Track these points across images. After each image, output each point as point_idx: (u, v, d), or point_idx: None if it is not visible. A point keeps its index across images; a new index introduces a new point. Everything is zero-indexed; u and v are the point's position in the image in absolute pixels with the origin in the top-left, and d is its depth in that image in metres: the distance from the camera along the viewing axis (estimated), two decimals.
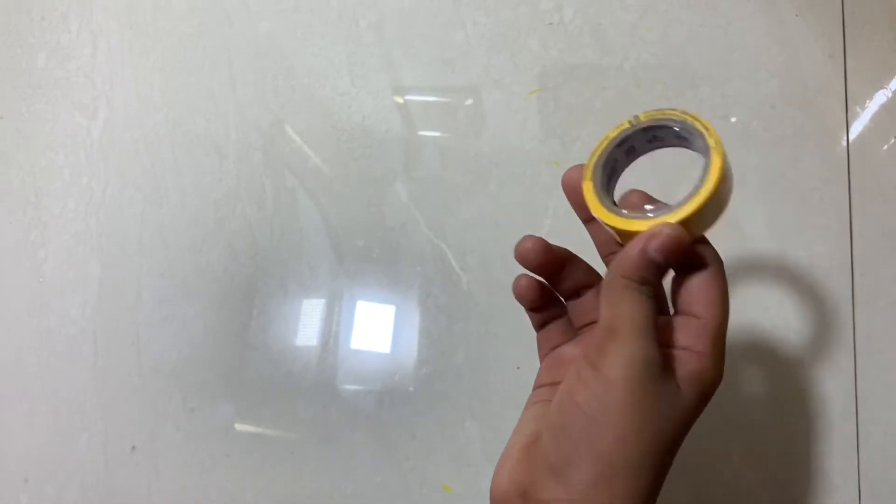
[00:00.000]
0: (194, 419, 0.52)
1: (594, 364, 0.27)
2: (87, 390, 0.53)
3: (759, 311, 0.50)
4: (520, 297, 0.34)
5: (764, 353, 0.49)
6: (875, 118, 0.52)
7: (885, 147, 0.52)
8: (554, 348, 0.35)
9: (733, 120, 0.53)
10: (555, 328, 0.35)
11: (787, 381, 0.49)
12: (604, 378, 0.27)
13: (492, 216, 0.53)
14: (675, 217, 0.28)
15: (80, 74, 0.59)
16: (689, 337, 0.28)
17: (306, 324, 0.53)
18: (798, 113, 0.53)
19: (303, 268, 0.54)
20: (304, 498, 0.51)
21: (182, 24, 0.59)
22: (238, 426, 0.52)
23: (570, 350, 0.34)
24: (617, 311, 0.27)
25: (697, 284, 0.28)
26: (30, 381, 0.54)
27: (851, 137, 0.52)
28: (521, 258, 0.33)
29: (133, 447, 0.52)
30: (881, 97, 0.53)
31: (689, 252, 0.29)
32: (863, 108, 0.53)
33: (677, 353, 0.28)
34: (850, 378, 0.48)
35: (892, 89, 0.53)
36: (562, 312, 0.35)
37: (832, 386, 0.49)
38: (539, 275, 0.34)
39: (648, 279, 0.28)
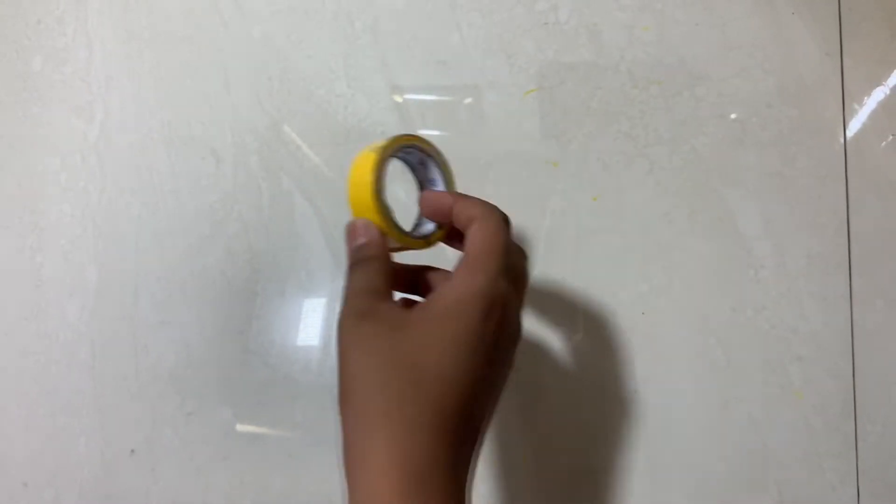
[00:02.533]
0: (192, 423, 0.52)
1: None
2: (85, 394, 0.53)
3: (757, 310, 0.50)
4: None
5: (761, 352, 0.49)
6: (872, 116, 0.52)
7: (883, 144, 0.52)
8: None
9: (732, 117, 0.53)
10: None
11: (784, 380, 0.49)
12: (339, 343, 0.32)
13: None
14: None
15: (76, 78, 0.59)
16: (455, 267, 0.33)
17: (304, 327, 0.53)
18: (795, 111, 0.52)
19: (300, 270, 0.53)
20: (302, 501, 0.51)
21: (177, 28, 0.59)
22: (236, 429, 0.52)
23: None
24: (349, 285, 0.34)
25: (469, 236, 0.34)
26: (28, 386, 0.54)
27: (849, 135, 0.52)
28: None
29: (131, 451, 0.52)
30: (878, 94, 0.53)
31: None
32: (860, 106, 0.53)
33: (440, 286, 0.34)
34: (849, 377, 0.48)
35: (890, 86, 0.53)
36: None
37: (830, 385, 0.48)
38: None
39: (358, 258, 0.35)
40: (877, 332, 0.49)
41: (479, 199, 0.36)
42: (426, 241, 0.38)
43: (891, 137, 0.52)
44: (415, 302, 0.35)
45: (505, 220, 0.35)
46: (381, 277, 0.34)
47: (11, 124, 0.58)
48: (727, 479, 0.48)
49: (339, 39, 0.57)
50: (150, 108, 0.57)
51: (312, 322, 0.53)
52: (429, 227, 0.39)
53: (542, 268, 0.52)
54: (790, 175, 0.51)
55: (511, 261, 0.33)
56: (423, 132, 0.55)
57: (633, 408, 0.49)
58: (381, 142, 0.38)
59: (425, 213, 0.38)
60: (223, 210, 0.55)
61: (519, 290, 0.34)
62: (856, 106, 0.52)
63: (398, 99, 0.56)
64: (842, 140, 0.52)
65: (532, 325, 0.51)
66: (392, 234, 0.36)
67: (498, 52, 0.55)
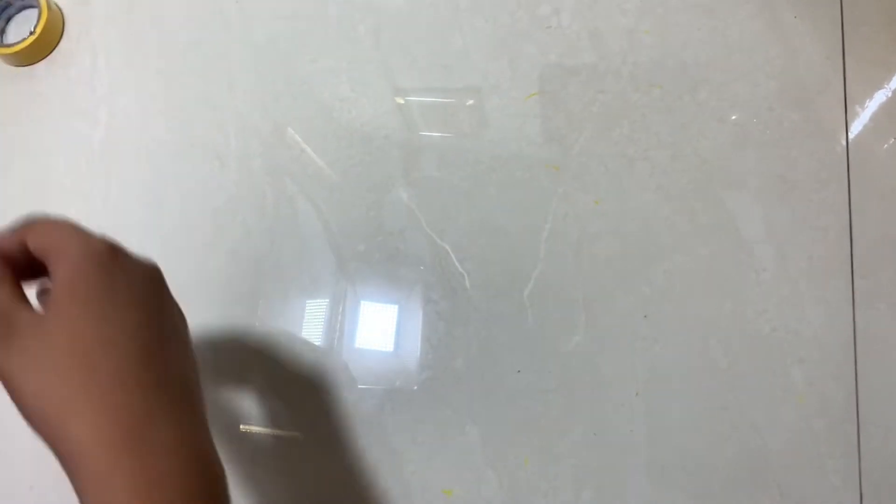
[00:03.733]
0: None
1: None
2: None
3: (758, 313, 0.50)
4: None
5: (763, 355, 0.49)
6: (874, 119, 0.52)
7: (885, 147, 0.52)
8: None
9: (734, 120, 0.53)
10: None
11: (786, 382, 0.49)
12: None
13: (491, 220, 0.53)
14: None
15: (81, 82, 0.59)
16: None
17: (307, 330, 0.53)
18: (797, 114, 0.53)
19: (303, 274, 0.54)
20: (301, 503, 0.51)
21: (181, 32, 0.59)
22: (239, 431, 0.52)
23: None
24: None
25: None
26: None
27: (850, 138, 0.52)
28: None
29: None
30: (880, 97, 0.53)
31: None
32: (862, 109, 0.53)
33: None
34: (851, 379, 0.48)
35: (892, 89, 0.53)
36: None
37: (833, 387, 0.49)
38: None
39: None
40: (879, 335, 0.49)
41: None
42: None
43: (893, 140, 0.52)
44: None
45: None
46: (7, 283, 0.32)
47: (16, 128, 0.59)
48: (729, 482, 0.48)
49: (342, 43, 0.57)
50: (154, 112, 0.58)
51: (315, 324, 0.53)
52: None
53: (544, 271, 0.52)
54: (792, 178, 0.52)
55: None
56: (425, 137, 0.55)
57: (634, 410, 0.49)
58: None
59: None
60: (227, 214, 0.55)
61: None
62: (858, 109, 0.52)
63: (401, 101, 0.56)
64: (844, 143, 0.52)
65: (534, 327, 0.51)
66: None
67: (500, 55, 0.55)
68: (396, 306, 0.53)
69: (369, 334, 0.53)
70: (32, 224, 0.34)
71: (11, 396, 0.31)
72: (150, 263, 0.36)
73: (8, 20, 0.61)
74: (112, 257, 0.34)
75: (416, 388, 0.51)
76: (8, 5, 0.60)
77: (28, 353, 0.30)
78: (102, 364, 0.30)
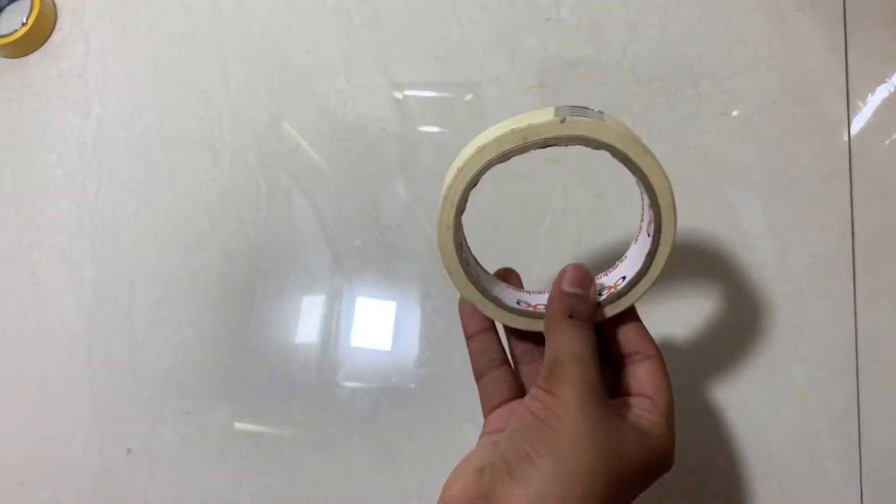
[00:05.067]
0: (190, 422, 0.52)
1: (545, 389, 0.30)
2: (82, 393, 0.53)
3: (760, 310, 0.49)
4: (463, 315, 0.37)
5: (764, 352, 0.49)
6: (877, 113, 0.52)
7: (888, 142, 0.51)
8: (503, 402, 0.36)
9: (735, 114, 0.52)
10: (501, 380, 0.36)
11: (787, 380, 0.48)
12: (555, 396, 0.29)
13: (490, 215, 0.52)
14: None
15: (73, 73, 0.58)
16: (643, 409, 0.31)
17: (303, 325, 0.53)
18: (799, 108, 0.52)
19: (298, 269, 0.53)
20: (302, 502, 0.50)
21: (175, 23, 0.58)
22: (235, 428, 0.51)
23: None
24: (557, 344, 0.31)
25: (646, 371, 0.32)
26: (24, 384, 0.54)
27: (853, 133, 0.51)
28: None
29: (129, 450, 0.52)
30: (883, 91, 0.52)
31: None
32: (864, 103, 0.52)
33: (634, 409, 0.31)
34: (853, 378, 0.48)
35: (894, 84, 0.52)
36: (503, 359, 0.37)
37: (834, 386, 0.48)
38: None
39: (577, 308, 0.31)
40: (881, 332, 0.48)
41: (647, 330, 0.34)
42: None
43: (895, 135, 0.51)
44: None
45: None
46: (593, 349, 0.31)
47: (7, 120, 0.58)
48: (729, 480, 0.48)
49: (338, 35, 0.56)
50: (147, 104, 0.57)
51: (311, 320, 0.53)
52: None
53: (544, 267, 0.51)
54: (794, 173, 0.51)
55: None
56: (422, 129, 0.54)
57: None
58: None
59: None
60: (221, 207, 0.54)
61: None
62: (860, 103, 0.52)
63: (398, 95, 0.55)
64: (846, 138, 0.51)
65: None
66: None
67: (499, 48, 0.55)
68: (393, 302, 0.52)
69: (366, 330, 0.52)
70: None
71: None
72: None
73: (0, 11, 0.60)
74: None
75: (413, 385, 0.51)
76: None
77: (600, 426, 0.29)
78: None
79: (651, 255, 0.32)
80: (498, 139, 0.30)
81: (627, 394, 0.32)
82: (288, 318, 0.53)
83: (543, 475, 0.27)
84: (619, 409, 0.31)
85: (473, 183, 0.31)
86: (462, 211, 0.32)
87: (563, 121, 0.30)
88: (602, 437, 0.28)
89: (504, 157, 0.31)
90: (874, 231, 0.50)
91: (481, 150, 0.30)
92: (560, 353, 0.30)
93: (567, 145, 0.31)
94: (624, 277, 0.33)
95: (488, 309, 0.34)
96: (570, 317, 0.31)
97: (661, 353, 0.33)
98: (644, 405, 0.31)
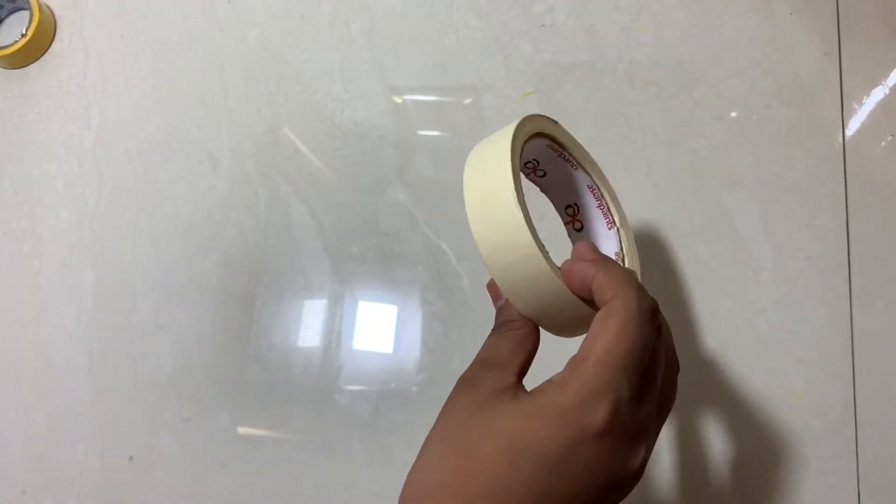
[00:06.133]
0: (191, 429, 0.52)
1: None
2: (83, 401, 0.53)
3: (756, 312, 0.50)
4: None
5: (761, 355, 0.49)
6: (872, 116, 0.52)
7: (882, 144, 0.52)
8: None
9: (731, 117, 0.52)
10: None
11: (784, 382, 0.49)
12: None
13: None
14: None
15: (73, 83, 0.59)
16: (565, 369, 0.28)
17: (302, 331, 0.53)
18: (794, 111, 0.52)
19: (297, 276, 0.53)
20: None
21: (173, 32, 0.58)
22: (235, 434, 0.52)
23: None
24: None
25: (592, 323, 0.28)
26: (26, 392, 0.54)
27: (848, 135, 0.52)
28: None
29: (130, 457, 0.52)
30: (878, 94, 0.52)
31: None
32: (859, 106, 0.52)
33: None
34: (849, 379, 0.48)
35: (889, 86, 0.52)
36: None
37: (830, 388, 0.48)
38: None
39: (497, 322, 0.33)
40: (877, 334, 0.49)
41: (622, 272, 0.29)
42: None
43: (890, 138, 0.51)
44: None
45: (649, 311, 0.27)
46: (509, 346, 0.30)
47: (8, 130, 0.58)
48: (727, 482, 0.48)
49: (335, 42, 0.57)
50: (146, 113, 0.57)
51: (311, 326, 0.53)
52: None
53: None
54: (789, 176, 0.51)
55: (651, 372, 0.28)
56: (419, 136, 0.55)
57: None
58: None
59: (569, 284, 0.30)
60: (220, 215, 0.55)
61: (660, 414, 0.29)
62: (855, 106, 0.52)
63: (397, 100, 0.55)
64: (841, 140, 0.51)
65: None
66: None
67: (495, 54, 0.55)
68: (393, 307, 0.53)
69: (365, 336, 0.52)
70: (608, 265, 0.29)
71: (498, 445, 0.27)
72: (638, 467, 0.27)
73: None
74: (614, 439, 0.26)
75: (413, 389, 0.51)
76: None
77: (454, 409, 0.29)
78: (463, 484, 0.26)
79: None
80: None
81: None
82: (287, 324, 0.53)
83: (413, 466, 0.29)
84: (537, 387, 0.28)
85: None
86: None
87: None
88: (440, 441, 0.28)
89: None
90: (869, 233, 0.50)
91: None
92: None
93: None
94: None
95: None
96: (493, 330, 0.33)
97: (626, 290, 0.28)
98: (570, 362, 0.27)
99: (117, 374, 0.53)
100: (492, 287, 0.34)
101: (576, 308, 0.30)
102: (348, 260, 0.53)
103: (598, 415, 0.25)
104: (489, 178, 0.30)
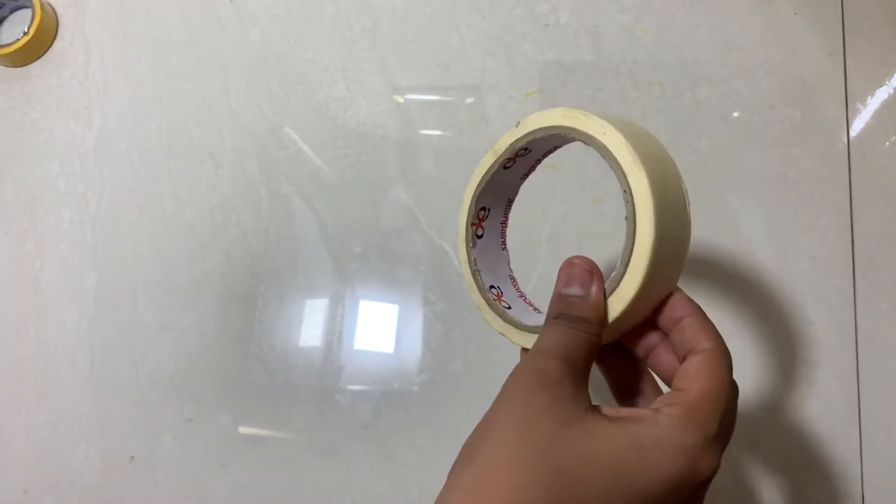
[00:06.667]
0: (192, 429, 0.52)
1: None
2: (84, 401, 0.53)
3: (761, 314, 0.49)
4: None
5: (765, 357, 0.49)
6: (876, 116, 0.52)
7: (887, 145, 0.51)
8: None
9: (734, 118, 0.52)
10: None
11: (788, 384, 0.48)
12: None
13: None
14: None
15: (75, 83, 0.59)
16: (659, 402, 0.26)
17: (304, 331, 0.53)
18: (797, 112, 0.52)
19: (299, 276, 0.53)
20: None
21: (175, 32, 0.58)
22: (237, 435, 0.52)
23: None
24: (541, 340, 0.28)
25: (690, 364, 0.27)
26: (27, 393, 0.54)
27: (852, 136, 0.51)
28: None
29: (131, 458, 0.52)
30: (882, 94, 0.52)
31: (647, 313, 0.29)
32: (863, 106, 0.52)
33: (641, 404, 0.29)
34: (853, 381, 0.48)
35: (893, 86, 0.52)
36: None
37: (834, 389, 0.48)
38: None
39: (571, 311, 0.28)
40: (881, 336, 0.48)
41: (711, 324, 0.28)
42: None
43: (894, 138, 0.51)
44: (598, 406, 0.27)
45: (730, 362, 0.28)
46: (585, 348, 0.27)
47: (9, 129, 0.58)
48: (729, 485, 0.48)
49: (337, 42, 0.57)
50: (148, 113, 0.57)
51: (312, 326, 0.53)
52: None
53: (543, 272, 0.51)
54: (793, 177, 0.51)
55: (728, 412, 0.27)
56: (421, 136, 0.55)
57: None
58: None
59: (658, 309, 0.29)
60: (222, 214, 0.55)
61: (725, 445, 0.28)
62: (859, 106, 0.52)
63: (399, 100, 0.55)
64: (845, 141, 0.51)
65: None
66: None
67: (498, 53, 0.55)
68: (394, 307, 0.53)
69: (367, 336, 0.52)
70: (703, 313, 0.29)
71: (490, 409, 0.26)
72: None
73: (1, 21, 0.60)
74: (700, 486, 0.25)
75: (414, 389, 0.51)
76: (1, 6, 0.59)
77: (531, 414, 0.25)
78: None
79: (625, 262, 0.28)
80: (480, 170, 0.33)
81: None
82: (289, 324, 0.53)
83: (471, 470, 0.24)
84: (621, 411, 0.26)
85: (475, 217, 0.34)
86: (472, 244, 0.34)
87: (517, 124, 0.32)
88: (535, 424, 0.24)
89: (492, 184, 0.33)
90: (874, 234, 0.50)
91: (471, 188, 0.33)
92: (540, 343, 0.28)
93: (543, 151, 0.34)
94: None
95: (519, 338, 0.32)
96: (556, 318, 0.28)
97: (723, 344, 0.28)
98: (666, 399, 0.26)
99: (118, 375, 0.53)
100: (578, 269, 0.30)
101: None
102: (350, 260, 0.53)
103: (713, 461, 0.25)
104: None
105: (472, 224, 0.34)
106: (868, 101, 0.52)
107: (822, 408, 0.48)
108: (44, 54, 0.59)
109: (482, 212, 0.35)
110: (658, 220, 0.28)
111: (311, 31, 0.57)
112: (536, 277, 0.51)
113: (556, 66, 0.54)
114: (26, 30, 0.57)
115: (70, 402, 0.53)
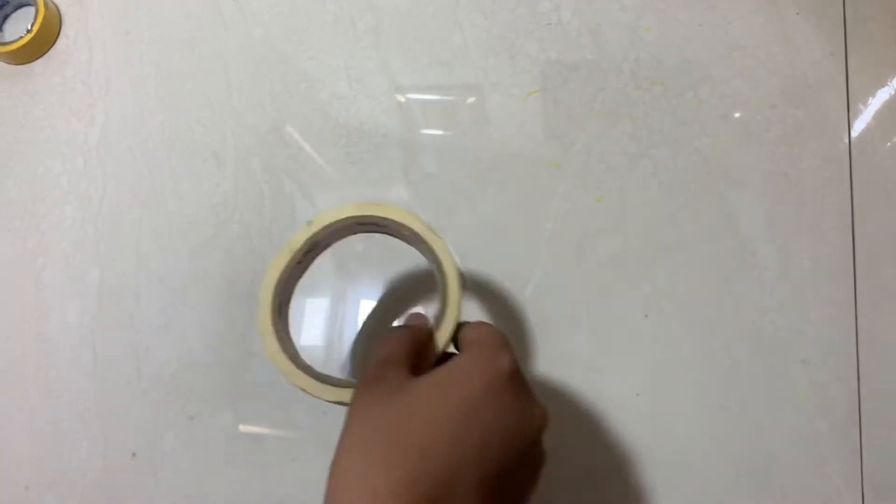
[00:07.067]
0: (194, 426, 0.52)
1: None
2: (86, 398, 0.53)
3: (761, 313, 0.49)
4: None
5: (765, 355, 0.49)
6: (878, 116, 0.52)
7: (888, 145, 0.51)
8: None
9: (736, 117, 0.52)
10: None
11: (789, 383, 0.48)
12: None
13: (492, 219, 0.52)
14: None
15: (77, 80, 0.59)
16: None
17: (306, 329, 0.53)
18: (799, 111, 0.52)
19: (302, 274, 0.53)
20: None
21: (178, 30, 0.58)
22: (239, 432, 0.52)
23: None
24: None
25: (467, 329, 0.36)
26: (29, 390, 0.54)
27: (853, 136, 0.51)
28: None
29: (133, 455, 0.52)
30: (884, 94, 0.52)
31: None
32: (865, 106, 0.52)
33: None
34: (854, 381, 0.48)
35: (895, 87, 0.52)
36: None
37: (835, 389, 0.48)
38: None
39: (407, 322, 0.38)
40: (882, 335, 0.48)
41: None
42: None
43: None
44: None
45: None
46: (403, 347, 0.33)
47: (12, 127, 0.58)
48: (730, 483, 0.48)
49: (340, 41, 0.57)
50: (150, 111, 0.57)
51: (315, 324, 0.53)
52: None
53: (545, 270, 0.51)
54: (794, 176, 0.51)
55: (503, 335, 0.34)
56: (424, 135, 0.55)
57: (635, 410, 0.49)
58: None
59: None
60: (225, 212, 0.55)
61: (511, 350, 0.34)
62: (861, 106, 0.52)
63: (401, 99, 0.55)
64: (847, 140, 0.51)
65: (534, 327, 0.51)
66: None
67: (500, 52, 0.55)
68: (394, 306, 0.53)
69: (368, 335, 0.52)
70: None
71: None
72: (539, 411, 0.32)
73: (4, 18, 0.61)
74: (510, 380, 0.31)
75: None
76: (5, 3, 0.59)
77: (366, 406, 0.30)
78: (397, 460, 0.27)
79: (440, 317, 0.36)
80: (276, 268, 0.37)
81: None
82: (291, 321, 0.53)
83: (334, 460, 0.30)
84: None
85: (277, 312, 0.37)
86: (279, 310, 0.37)
87: (308, 223, 0.37)
88: (360, 436, 0.29)
89: (289, 281, 0.38)
90: (875, 234, 0.50)
91: (268, 286, 0.37)
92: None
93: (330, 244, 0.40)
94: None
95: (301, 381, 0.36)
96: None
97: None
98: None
99: (121, 372, 0.53)
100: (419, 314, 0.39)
101: None
102: (351, 258, 0.53)
103: (506, 359, 0.31)
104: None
105: (273, 322, 0.37)
106: (870, 101, 0.52)
107: (823, 407, 0.48)
108: (47, 52, 0.59)
109: (281, 307, 0.38)
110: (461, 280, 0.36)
111: (314, 29, 0.57)
112: (536, 276, 0.51)
113: (558, 65, 0.54)
114: (29, 27, 0.57)
115: (72, 400, 0.53)
